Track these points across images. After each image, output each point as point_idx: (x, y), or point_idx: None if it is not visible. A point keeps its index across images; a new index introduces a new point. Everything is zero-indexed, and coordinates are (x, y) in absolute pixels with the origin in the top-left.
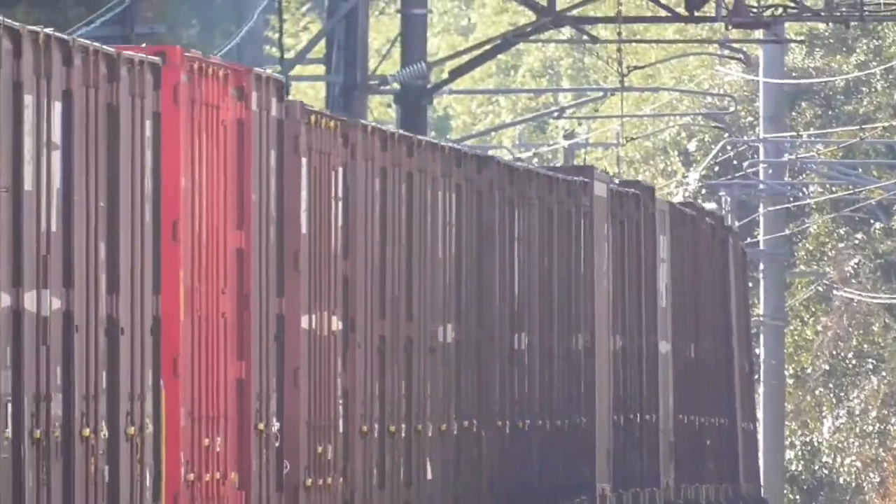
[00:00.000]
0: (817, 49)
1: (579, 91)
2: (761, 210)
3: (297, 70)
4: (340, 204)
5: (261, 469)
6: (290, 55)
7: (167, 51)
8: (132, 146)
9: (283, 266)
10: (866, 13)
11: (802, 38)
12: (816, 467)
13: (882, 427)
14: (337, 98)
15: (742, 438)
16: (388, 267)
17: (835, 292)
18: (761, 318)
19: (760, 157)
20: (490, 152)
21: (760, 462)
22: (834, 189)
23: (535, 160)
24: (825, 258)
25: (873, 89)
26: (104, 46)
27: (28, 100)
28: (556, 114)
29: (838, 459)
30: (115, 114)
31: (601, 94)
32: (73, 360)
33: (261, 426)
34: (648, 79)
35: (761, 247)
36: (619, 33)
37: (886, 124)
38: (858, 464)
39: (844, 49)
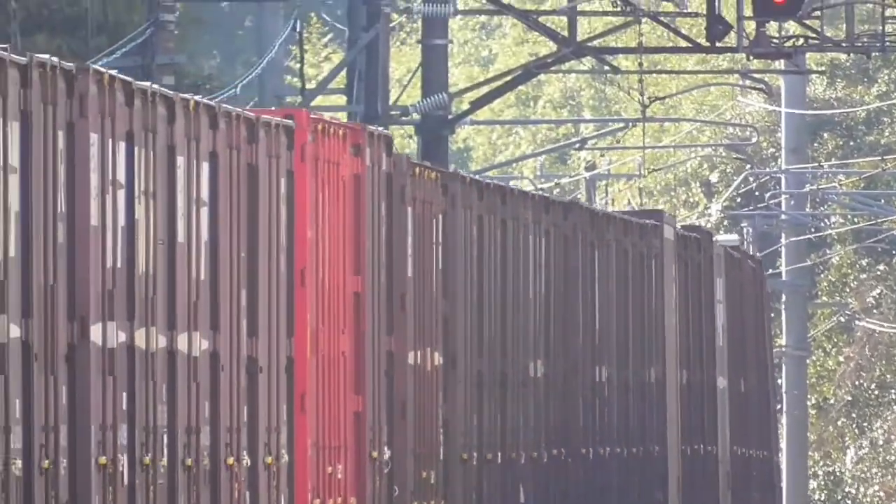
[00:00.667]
0: (839, 80)
1: (600, 122)
2: (783, 241)
3: (319, 100)
4: (440, 249)
5: (375, 493)
6: (311, 85)
7: (295, 114)
8: (269, 202)
9: (393, 307)
10: (887, 44)
11: (824, 68)
12: (839, 497)
13: None
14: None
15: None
16: (485, 307)
17: (857, 323)
18: (783, 349)
19: (782, 188)
20: (511, 183)
21: (784, 492)
22: (856, 220)
23: (557, 191)
24: (847, 289)
25: (895, 120)
26: (245, 111)
27: (180, 161)
28: (577, 145)
29: (861, 489)
30: (255, 172)
31: (622, 124)
32: (219, 396)
33: (374, 454)
34: (670, 110)
35: (783, 278)
36: (641, 64)
37: None
38: (881, 494)
39: (866, 80)
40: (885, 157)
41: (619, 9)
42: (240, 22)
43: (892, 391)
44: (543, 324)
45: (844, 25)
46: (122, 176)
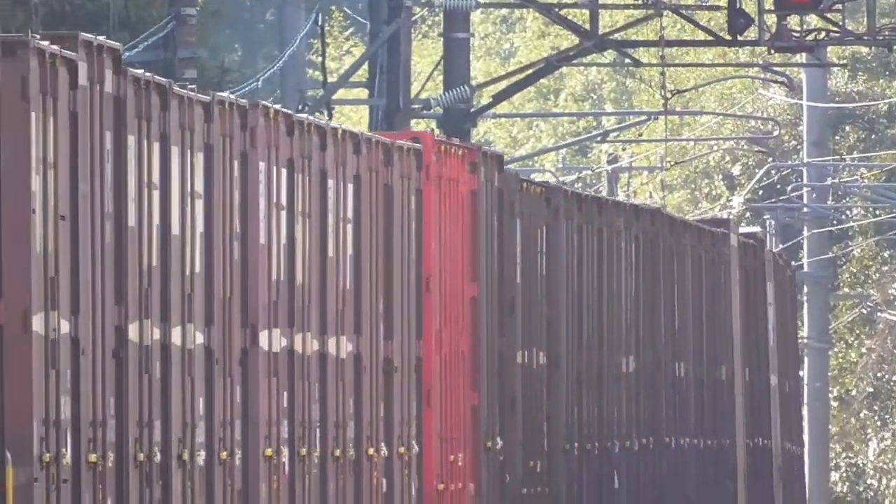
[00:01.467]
0: (860, 73)
1: (622, 115)
2: (805, 233)
3: (340, 94)
4: (544, 258)
5: (489, 480)
6: (332, 79)
7: (421, 137)
8: (402, 218)
9: (503, 311)
10: None
11: (845, 61)
12: (861, 489)
13: None
14: (380, 122)
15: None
16: (583, 309)
17: (879, 315)
18: (805, 341)
19: (804, 181)
20: (532, 176)
21: (806, 483)
22: (877, 212)
23: (579, 184)
24: (869, 281)
25: None
26: (378, 136)
27: (330, 183)
28: (598, 137)
29: (883, 481)
30: (390, 192)
31: (644, 117)
32: (362, 394)
33: (489, 444)
34: (691, 102)
35: (805, 269)
36: (662, 57)
37: None
38: None
39: (887, 73)
40: None
41: (640, 2)
42: (261, 16)
43: None
44: (633, 323)
45: (866, 19)
46: (283, 198)
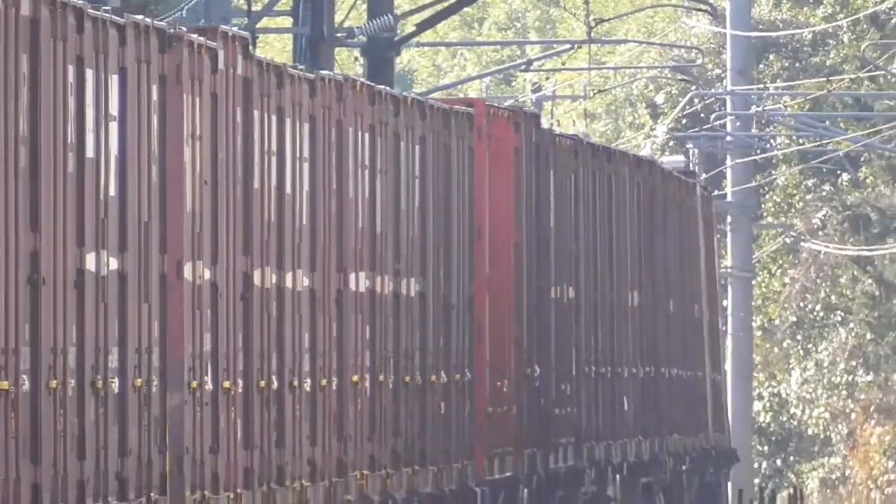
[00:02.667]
0: (784, 1)
1: (546, 44)
2: (728, 162)
3: (264, 23)
4: (579, 204)
5: (528, 403)
6: (257, 8)
7: (473, 102)
8: (458, 174)
9: (540, 253)
10: None
11: None
12: (785, 419)
13: (850, 379)
14: (304, 51)
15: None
16: (598, 250)
17: (802, 244)
18: (729, 271)
19: (728, 110)
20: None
21: (728, 413)
22: (801, 141)
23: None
24: (793, 210)
25: (840, 41)
26: (439, 103)
27: (402, 145)
28: (522, 66)
29: (806, 411)
30: (449, 151)
31: (568, 46)
32: (427, 328)
33: (528, 371)
34: (614, 31)
35: (729, 199)
36: None
37: (853, 76)
38: (827, 415)
39: (811, 1)
40: (830, 79)
41: None
42: None
43: (838, 313)
44: (637, 262)
45: None
46: (367, 159)
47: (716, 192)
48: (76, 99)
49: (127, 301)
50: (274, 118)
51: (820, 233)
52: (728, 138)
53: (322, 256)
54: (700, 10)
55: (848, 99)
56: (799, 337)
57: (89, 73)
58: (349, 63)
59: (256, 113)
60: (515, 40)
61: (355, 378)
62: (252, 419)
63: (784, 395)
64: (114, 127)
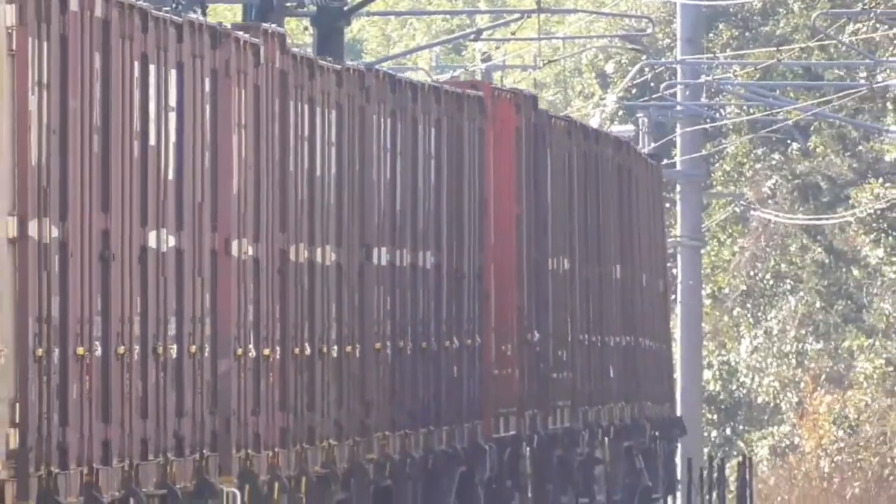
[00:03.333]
0: None
1: (496, 13)
2: (678, 131)
3: None
4: (573, 181)
5: (529, 367)
6: None
7: (480, 85)
8: (469, 153)
9: (538, 227)
10: None
11: None
12: (734, 387)
13: (799, 347)
14: (253, 19)
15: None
16: (591, 226)
17: (752, 213)
18: (678, 239)
19: (677, 79)
20: (406, 74)
21: (678, 382)
22: (751, 110)
23: None
24: (742, 179)
25: (790, 10)
26: (452, 87)
27: (420, 128)
28: (472, 36)
29: (756, 379)
30: (461, 134)
31: (518, 15)
32: (441, 297)
33: (528, 337)
34: (564, 1)
35: (678, 168)
36: None
37: (803, 45)
38: (776, 384)
39: None
40: (780, 48)
41: None
42: None
43: (788, 281)
44: (618, 237)
45: None
46: (389, 143)
47: (665, 162)
48: (141, 92)
49: (183, 275)
50: (306, 107)
51: (770, 202)
52: (678, 107)
53: (347, 233)
54: None
55: (798, 68)
56: (748, 305)
57: (152, 69)
58: (299, 32)
59: (291, 102)
60: (465, 10)
61: (377, 345)
62: (287, 384)
63: (733, 364)
64: (172, 117)
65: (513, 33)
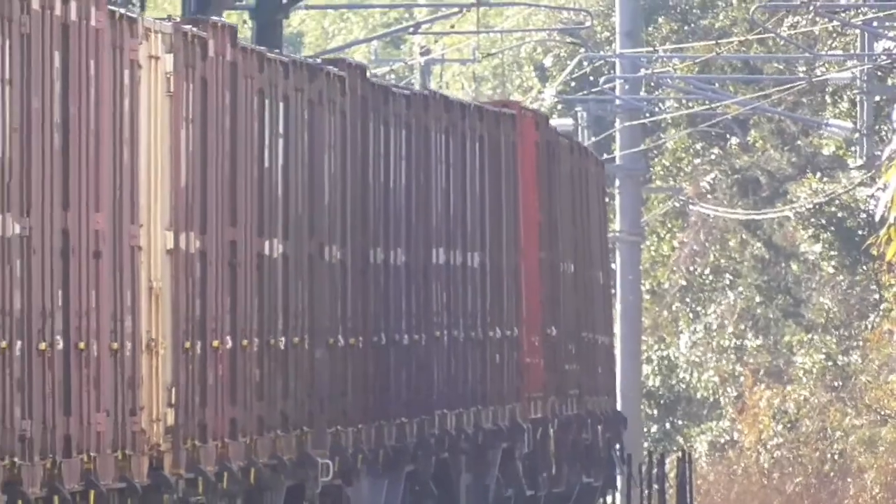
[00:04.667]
0: None
1: (434, 6)
2: (617, 125)
3: None
4: (574, 192)
5: (549, 357)
6: None
7: (511, 105)
8: (506, 168)
9: (552, 233)
10: None
11: None
12: (674, 382)
13: (738, 342)
14: (193, 12)
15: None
16: (579, 232)
17: (691, 207)
18: (618, 234)
19: (616, 73)
20: None
21: (617, 377)
22: (690, 104)
23: (392, 77)
24: (682, 173)
25: (729, 4)
26: (493, 107)
27: (468, 144)
28: (410, 29)
29: (695, 374)
30: (499, 146)
31: (457, 9)
32: (487, 292)
33: (548, 331)
34: None
35: (617, 162)
36: None
37: (742, 39)
38: (716, 378)
39: None
40: (719, 42)
41: None
42: None
43: (727, 276)
44: (586, 239)
45: None
46: (444, 157)
47: (604, 156)
48: (258, 122)
49: (289, 278)
50: (382, 127)
51: (709, 196)
52: (617, 101)
53: (413, 236)
54: None
55: (737, 62)
56: (688, 300)
57: (266, 102)
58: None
59: (371, 124)
60: (403, 3)
61: (437, 334)
62: (368, 368)
63: (673, 359)
64: (280, 142)
65: (452, 26)
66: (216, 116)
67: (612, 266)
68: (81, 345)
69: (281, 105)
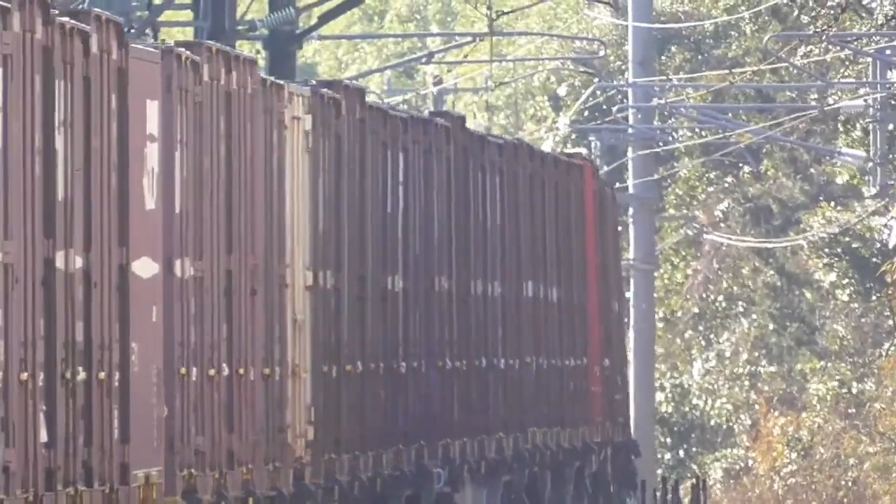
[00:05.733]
0: None
1: (447, 36)
2: (630, 154)
3: (166, 15)
4: (624, 236)
5: (604, 387)
6: (158, 1)
7: (580, 159)
8: (576, 213)
9: (607, 274)
10: None
11: None
12: (687, 409)
13: (752, 369)
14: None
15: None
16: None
17: (705, 236)
18: (631, 263)
19: (630, 102)
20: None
21: (631, 404)
22: (703, 133)
23: (405, 106)
24: (695, 202)
25: (742, 33)
26: (561, 157)
27: (537, 192)
28: (423, 59)
29: (708, 401)
30: (569, 197)
31: (470, 39)
32: (564, 327)
33: (603, 363)
34: (517, 23)
35: (631, 191)
36: None
37: (755, 68)
38: (729, 406)
39: None
40: (732, 71)
41: None
42: None
43: (740, 304)
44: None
45: None
46: (503, 197)
47: (618, 185)
48: (381, 172)
49: (408, 309)
50: (479, 174)
51: (722, 225)
52: (630, 130)
53: (508, 269)
54: (602, 1)
55: (750, 91)
56: (701, 328)
57: (389, 154)
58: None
59: (470, 170)
60: (416, 33)
61: (528, 360)
62: (470, 389)
63: (686, 386)
64: (401, 189)
65: (464, 56)
66: (347, 168)
67: (627, 294)
68: (241, 371)
69: (401, 156)
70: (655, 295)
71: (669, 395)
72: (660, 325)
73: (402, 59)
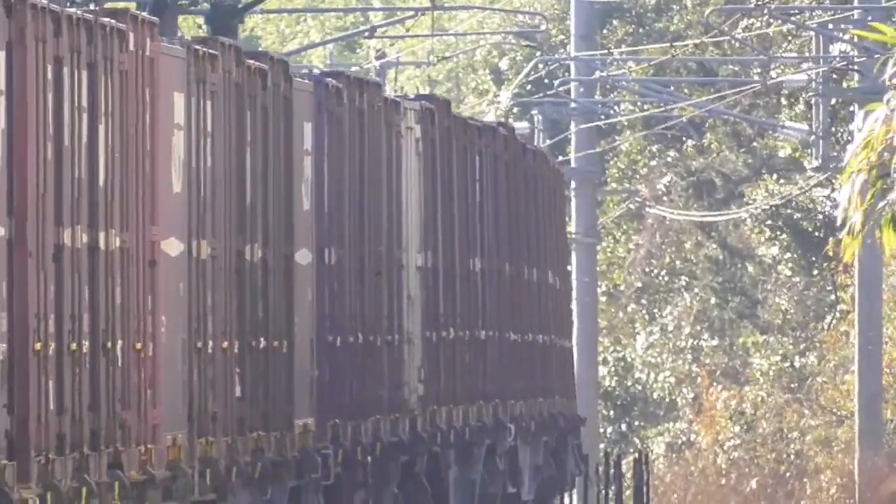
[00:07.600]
0: None
1: (390, 10)
2: (573, 128)
3: None
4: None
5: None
6: None
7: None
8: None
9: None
10: None
11: None
12: (630, 383)
13: (695, 343)
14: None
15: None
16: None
17: (647, 210)
18: (573, 236)
19: (572, 76)
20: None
21: (574, 378)
22: (646, 107)
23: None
24: (637, 176)
25: (684, 6)
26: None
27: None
28: (366, 33)
29: (651, 375)
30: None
31: (412, 13)
32: (541, 306)
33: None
34: None
35: (573, 165)
36: None
37: (697, 41)
38: (672, 379)
39: None
40: (674, 44)
41: None
42: None
43: (683, 278)
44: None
45: None
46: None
47: (560, 158)
48: (465, 171)
49: (486, 287)
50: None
51: (664, 198)
52: (572, 104)
53: (514, 254)
54: None
55: (692, 64)
56: (644, 302)
57: (467, 155)
58: (193, 30)
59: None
60: (359, 7)
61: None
62: (487, 360)
63: (629, 360)
64: (478, 186)
65: (407, 30)
66: (440, 169)
67: (569, 268)
68: (372, 338)
69: (477, 158)
70: (598, 269)
71: (612, 368)
72: (602, 298)
73: (344, 33)
